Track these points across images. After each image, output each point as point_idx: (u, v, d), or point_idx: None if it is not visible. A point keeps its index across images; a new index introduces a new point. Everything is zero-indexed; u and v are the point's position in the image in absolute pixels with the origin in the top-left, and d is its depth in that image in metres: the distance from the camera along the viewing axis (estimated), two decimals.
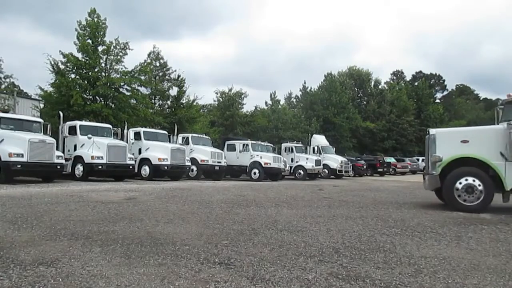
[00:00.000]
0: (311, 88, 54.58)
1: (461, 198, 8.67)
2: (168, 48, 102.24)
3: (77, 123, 18.14)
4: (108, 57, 26.42)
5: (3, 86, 28.25)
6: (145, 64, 30.06)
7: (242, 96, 43.53)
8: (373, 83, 62.43)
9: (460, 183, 8.67)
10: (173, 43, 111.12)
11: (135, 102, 27.81)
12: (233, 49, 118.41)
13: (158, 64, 34.56)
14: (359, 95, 61.87)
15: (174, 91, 34.50)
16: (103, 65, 26.36)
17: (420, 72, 75.06)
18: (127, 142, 19.06)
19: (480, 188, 8.60)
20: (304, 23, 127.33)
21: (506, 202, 9.07)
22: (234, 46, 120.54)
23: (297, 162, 26.89)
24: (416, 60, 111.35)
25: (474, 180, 8.63)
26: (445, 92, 79.88)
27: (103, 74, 26.17)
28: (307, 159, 26.85)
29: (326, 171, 28.20)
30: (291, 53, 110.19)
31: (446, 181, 8.81)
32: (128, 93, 27.23)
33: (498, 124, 9.37)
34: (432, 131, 9.64)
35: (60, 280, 3.55)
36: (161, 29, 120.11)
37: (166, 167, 18.97)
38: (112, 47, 26.20)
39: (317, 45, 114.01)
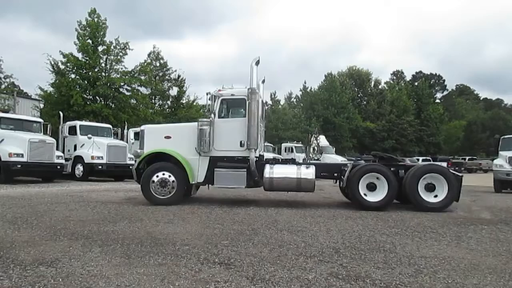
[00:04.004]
0: (311, 88, 54.70)
1: (155, 192, 8.95)
2: (170, 47, 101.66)
3: (77, 123, 18.15)
4: (108, 57, 26.45)
5: (3, 86, 28.25)
6: (145, 64, 30.08)
7: None
8: (373, 83, 62.47)
9: (157, 176, 8.95)
10: (175, 42, 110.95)
11: (135, 102, 27.85)
12: (235, 48, 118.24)
13: (158, 64, 34.59)
14: (359, 95, 61.89)
15: (174, 91, 34.54)
16: (103, 65, 26.39)
17: (420, 72, 75.07)
18: (127, 142, 19.06)
19: (173, 181, 8.93)
20: (307, 22, 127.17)
21: (195, 195, 9.74)
22: (236, 46, 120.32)
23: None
24: (418, 59, 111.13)
25: (165, 174, 8.96)
26: (445, 92, 79.94)
27: (103, 74, 26.20)
28: None
29: None
30: (294, 53, 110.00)
31: (144, 175, 9.09)
32: (128, 93, 27.26)
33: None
34: (142, 127, 10.17)
35: (60, 280, 3.55)
36: (164, 28, 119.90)
37: None
38: (112, 47, 26.23)
39: (320, 45, 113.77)
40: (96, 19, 25.75)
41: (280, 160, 10.03)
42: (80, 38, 25.30)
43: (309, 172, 9.08)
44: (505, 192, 14.67)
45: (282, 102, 53.53)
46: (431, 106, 60.14)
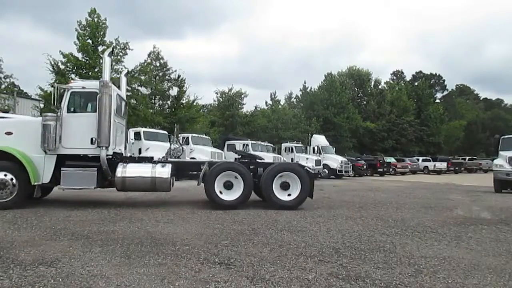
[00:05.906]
0: (311, 88, 54.68)
1: None
2: (171, 47, 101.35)
3: None
4: None
5: (3, 86, 28.21)
6: (145, 64, 30.08)
7: (242, 96, 43.61)
8: (373, 83, 62.43)
9: None
10: (176, 42, 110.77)
11: (135, 102, 27.81)
12: (236, 48, 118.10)
13: (158, 64, 34.57)
14: (359, 95, 61.87)
15: (174, 91, 34.50)
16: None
17: (420, 72, 74.97)
18: (127, 142, 19.03)
19: (14, 182, 8.13)
20: (309, 22, 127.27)
21: (39, 196, 8.80)
22: (237, 45, 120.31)
23: (297, 162, 26.86)
24: (419, 59, 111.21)
25: (4, 174, 8.15)
26: (445, 92, 79.93)
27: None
28: (307, 159, 26.84)
29: (326, 171, 28.16)
30: (295, 53, 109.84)
31: None
32: (128, 93, 27.23)
33: None
34: None
35: (60, 280, 3.55)
36: (164, 28, 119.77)
37: None
38: (112, 47, 26.21)
39: (320, 45, 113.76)
40: (96, 19, 25.71)
41: (137, 158, 9.51)
42: (80, 38, 25.28)
43: (164, 171, 8.68)
44: (505, 192, 14.67)
45: (282, 102, 53.43)
46: (431, 106, 60.12)
